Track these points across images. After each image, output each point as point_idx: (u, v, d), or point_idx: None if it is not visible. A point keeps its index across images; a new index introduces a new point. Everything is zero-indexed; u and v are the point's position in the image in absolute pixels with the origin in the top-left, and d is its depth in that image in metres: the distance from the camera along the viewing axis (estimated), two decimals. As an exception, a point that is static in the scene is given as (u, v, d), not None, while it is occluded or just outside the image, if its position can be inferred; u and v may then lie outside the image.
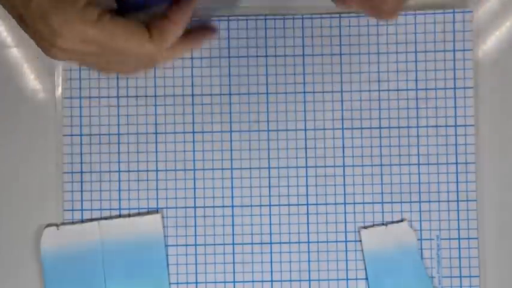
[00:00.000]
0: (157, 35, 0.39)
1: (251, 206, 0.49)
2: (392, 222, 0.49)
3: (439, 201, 0.49)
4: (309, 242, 0.49)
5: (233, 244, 0.49)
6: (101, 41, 0.37)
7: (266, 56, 0.50)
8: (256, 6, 0.50)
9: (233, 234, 0.49)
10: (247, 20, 0.50)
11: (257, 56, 0.50)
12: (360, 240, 0.49)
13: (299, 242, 0.49)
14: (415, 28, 0.50)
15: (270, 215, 0.50)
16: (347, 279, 0.49)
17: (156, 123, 0.50)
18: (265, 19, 0.50)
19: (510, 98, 0.50)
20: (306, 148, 0.50)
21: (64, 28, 0.36)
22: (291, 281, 0.49)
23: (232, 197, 0.50)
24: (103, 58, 0.39)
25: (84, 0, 0.36)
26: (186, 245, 0.49)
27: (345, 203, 0.49)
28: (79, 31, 0.36)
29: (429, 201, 0.49)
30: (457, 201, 0.49)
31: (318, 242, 0.49)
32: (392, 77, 0.50)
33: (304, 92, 0.50)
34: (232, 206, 0.50)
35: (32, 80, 0.51)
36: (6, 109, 0.51)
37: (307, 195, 0.50)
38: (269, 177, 0.50)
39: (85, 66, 0.43)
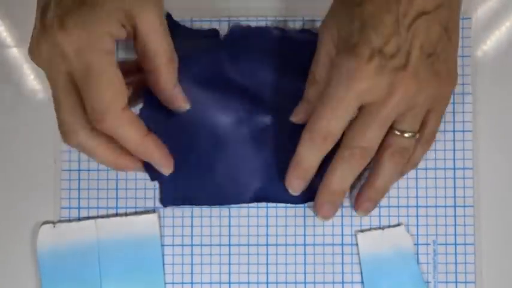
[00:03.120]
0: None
1: (248, 207, 0.49)
2: (389, 226, 0.49)
3: (436, 206, 0.49)
4: (305, 245, 0.49)
5: (229, 245, 0.49)
6: None
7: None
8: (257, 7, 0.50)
9: (229, 235, 0.49)
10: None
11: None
12: (357, 244, 0.49)
13: (295, 245, 0.49)
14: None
15: (266, 216, 0.49)
16: (342, 283, 0.49)
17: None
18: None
19: (508, 104, 0.50)
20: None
21: None
22: (286, 283, 0.49)
23: (229, 198, 0.50)
24: None
25: None
26: (182, 245, 0.49)
27: (342, 206, 0.49)
28: None
29: (426, 206, 0.49)
30: (454, 206, 0.49)
31: (314, 244, 0.49)
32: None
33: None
34: (230, 207, 0.50)
35: (31, 80, 0.51)
36: (5, 109, 0.51)
37: (304, 197, 0.50)
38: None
39: None
